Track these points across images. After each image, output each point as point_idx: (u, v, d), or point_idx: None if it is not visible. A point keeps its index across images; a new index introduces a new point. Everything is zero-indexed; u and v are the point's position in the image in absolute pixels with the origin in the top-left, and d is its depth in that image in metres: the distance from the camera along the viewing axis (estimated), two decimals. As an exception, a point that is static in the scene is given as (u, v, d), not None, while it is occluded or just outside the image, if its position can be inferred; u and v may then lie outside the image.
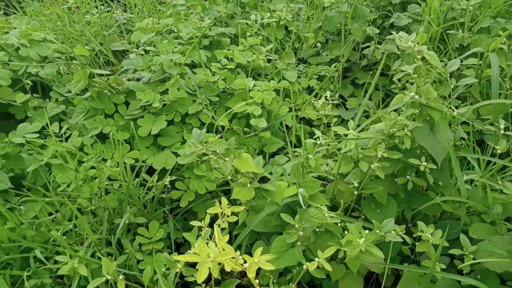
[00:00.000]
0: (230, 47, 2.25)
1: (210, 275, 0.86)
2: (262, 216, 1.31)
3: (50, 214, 1.54)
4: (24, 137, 1.62)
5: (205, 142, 1.25)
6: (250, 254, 1.13)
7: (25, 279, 1.23)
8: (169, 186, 1.59)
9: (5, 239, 1.36)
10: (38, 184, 1.64)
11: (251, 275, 0.89)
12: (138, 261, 1.40)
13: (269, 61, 2.24)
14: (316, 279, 1.40)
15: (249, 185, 1.24)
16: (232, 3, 2.74)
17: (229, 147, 1.21)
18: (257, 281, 1.05)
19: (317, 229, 1.21)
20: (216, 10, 2.75)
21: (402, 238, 1.13)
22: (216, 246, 0.90)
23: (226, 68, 2.00)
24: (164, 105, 1.80)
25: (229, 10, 2.69)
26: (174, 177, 1.60)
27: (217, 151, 1.19)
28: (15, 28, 2.21)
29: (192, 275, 1.30)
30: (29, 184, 1.61)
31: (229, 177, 1.37)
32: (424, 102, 1.25)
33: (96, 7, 3.36)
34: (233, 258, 0.89)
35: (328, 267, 1.07)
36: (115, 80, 1.76)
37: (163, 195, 1.62)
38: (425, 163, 1.24)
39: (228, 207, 1.25)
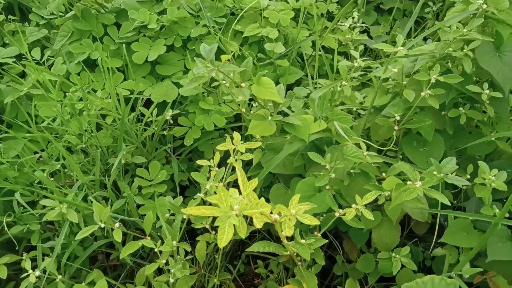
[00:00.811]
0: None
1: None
2: (283, 155, 1.10)
3: (35, 153, 1.33)
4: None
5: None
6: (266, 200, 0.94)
7: (5, 226, 1.05)
8: (171, 122, 1.37)
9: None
10: (19, 119, 1.42)
11: (287, 231, 0.68)
12: (138, 206, 1.22)
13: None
14: (343, 227, 1.23)
15: (269, 117, 1.01)
16: None
17: (246, 69, 0.96)
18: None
19: (352, 171, 1.01)
20: None
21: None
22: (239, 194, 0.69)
23: (234, -16, 1.68)
24: (162, 27, 1.52)
25: None
26: (176, 111, 1.37)
27: (232, 74, 0.94)
28: None
29: (201, 222, 1.13)
30: (9, 119, 1.39)
31: (243, 109, 1.14)
32: (492, 16, 0.98)
33: None
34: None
35: (369, 215, 0.88)
36: (103, -4, 1.46)
37: (164, 132, 1.40)
38: (488, 91, 1.01)
39: (242, 143, 1.04)
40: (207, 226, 1.15)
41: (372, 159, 0.95)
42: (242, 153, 1.02)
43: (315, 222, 0.74)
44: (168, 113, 1.33)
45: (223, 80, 1.02)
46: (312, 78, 1.56)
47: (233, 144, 1.03)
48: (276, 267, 1.41)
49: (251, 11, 1.66)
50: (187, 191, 1.51)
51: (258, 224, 0.63)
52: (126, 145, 1.27)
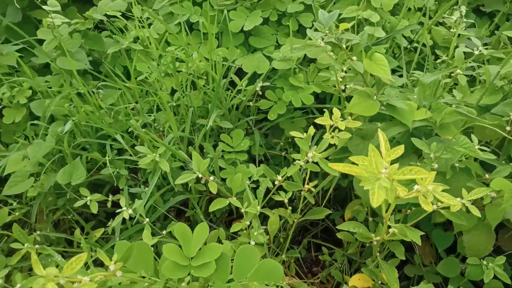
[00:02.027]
0: None
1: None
2: (376, 141, 1.06)
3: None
4: (106, 14, 1.43)
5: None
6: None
7: (108, 163, 1.10)
8: (260, 93, 1.37)
9: (83, 122, 1.23)
10: (117, 70, 1.48)
11: (426, 207, 0.65)
12: (220, 169, 1.24)
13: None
14: (425, 226, 1.17)
15: (375, 97, 0.97)
16: None
17: (360, 42, 0.93)
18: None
19: (456, 164, 0.95)
20: None
21: None
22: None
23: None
24: (260, -1, 1.53)
25: None
26: (267, 83, 1.36)
27: (351, 41, 0.91)
28: None
29: (279, 194, 1.12)
30: (108, 69, 1.45)
31: (342, 86, 1.11)
32: None
33: None
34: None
35: (476, 211, 0.82)
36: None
37: (250, 103, 1.40)
38: None
39: (342, 120, 1.01)
40: (285, 200, 1.14)
41: (484, 155, 0.88)
42: (340, 130, 0.99)
43: (454, 202, 0.69)
44: (259, 84, 1.33)
45: (331, 51, 0.99)
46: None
47: (331, 119, 1.00)
48: (341, 257, 1.38)
49: (349, -7, 1.62)
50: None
51: (402, 193, 0.60)
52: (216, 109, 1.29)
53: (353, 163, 0.62)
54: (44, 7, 1.31)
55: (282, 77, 1.40)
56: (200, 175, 0.91)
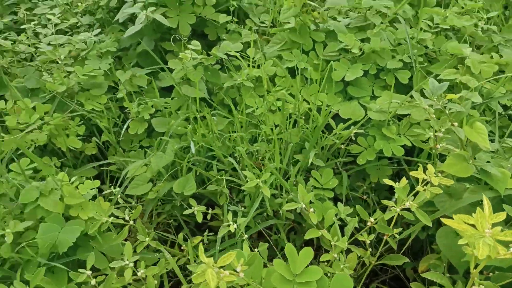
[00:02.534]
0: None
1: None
2: (465, 203, 1.12)
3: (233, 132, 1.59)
4: (227, 53, 1.67)
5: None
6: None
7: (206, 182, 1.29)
8: (354, 138, 1.49)
9: (200, 142, 1.45)
10: (228, 100, 1.71)
11: None
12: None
13: (483, 31, 1.91)
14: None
15: (471, 160, 1.05)
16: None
17: (464, 110, 1.03)
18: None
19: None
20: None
21: None
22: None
23: (438, 27, 1.75)
24: (362, 53, 1.67)
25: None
26: (360, 130, 1.49)
27: (454, 110, 1.02)
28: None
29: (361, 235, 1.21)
30: (221, 99, 1.68)
31: (438, 145, 1.19)
32: None
33: None
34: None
35: None
36: (322, 16, 1.68)
37: (342, 146, 1.53)
38: None
39: (435, 176, 1.09)
40: (367, 241, 1.23)
41: None
42: (433, 185, 1.08)
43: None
44: (353, 131, 1.46)
45: (433, 114, 1.09)
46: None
47: (425, 174, 1.09)
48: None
49: (446, 56, 1.71)
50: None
51: (501, 252, 0.69)
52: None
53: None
54: (189, 46, 1.58)
55: (375, 126, 1.52)
56: (303, 206, 1.05)
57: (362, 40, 1.74)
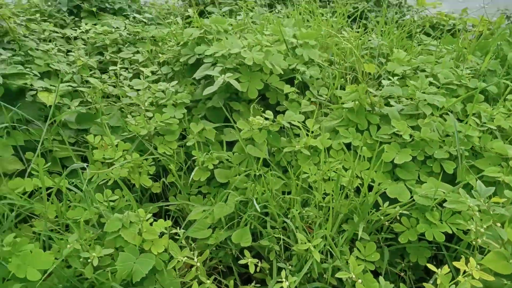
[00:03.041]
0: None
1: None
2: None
3: (287, 193, 1.77)
4: (289, 122, 1.89)
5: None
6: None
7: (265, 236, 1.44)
8: (398, 217, 1.63)
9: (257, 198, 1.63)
10: (281, 163, 1.90)
11: None
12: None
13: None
14: None
15: (511, 260, 1.17)
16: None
17: (508, 214, 1.16)
18: None
19: None
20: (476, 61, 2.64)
21: None
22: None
23: (485, 125, 1.91)
24: (412, 139, 1.84)
25: (492, 66, 2.54)
26: (405, 212, 1.62)
27: (498, 212, 1.16)
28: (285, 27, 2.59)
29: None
30: (277, 160, 1.88)
31: (479, 239, 1.31)
32: None
33: (351, 27, 3.64)
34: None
35: None
36: (379, 102, 1.88)
37: (386, 223, 1.66)
38: None
39: (477, 270, 1.20)
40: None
41: None
42: (473, 278, 1.19)
43: None
44: (399, 211, 1.60)
45: (477, 211, 1.23)
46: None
47: (467, 267, 1.21)
48: None
49: (491, 153, 1.85)
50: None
51: None
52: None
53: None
54: (263, 114, 1.81)
55: (419, 209, 1.65)
56: (353, 276, 1.18)
57: (413, 127, 1.91)
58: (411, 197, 1.67)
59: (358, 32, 3.31)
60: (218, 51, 2.17)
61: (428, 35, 4.85)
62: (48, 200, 1.67)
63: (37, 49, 2.61)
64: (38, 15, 3.15)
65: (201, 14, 4.69)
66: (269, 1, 4.83)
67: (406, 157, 1.77)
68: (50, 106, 2.17)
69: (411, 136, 1.84)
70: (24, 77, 2.13)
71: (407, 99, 2.04)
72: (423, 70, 2.53)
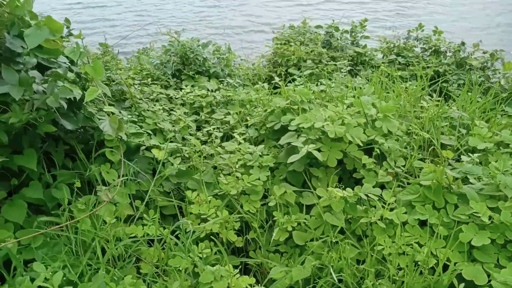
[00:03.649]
0: None
1: None
2: None
3: (361, 262, 1.88)
4: (367, 194, 2.04)
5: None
6: None
7: None
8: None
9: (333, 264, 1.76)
10: (357, 232, 2.02)
11: None
12: None
13: None
14: None
15: None
16: None
17: None
18: None
19: None
20: None
21: None
22: None
23: None
24: (491, 221, 1.86)
25: None
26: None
27: None
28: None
29: None
30: (353, 228, 2.01)
31: None
32: None
33: (432, 93, 3.71)
34: None
35: None
36: (457, 183, 1.94)
37: (461, 304, 1.68)
38: None
39: None
40: None
41: None
42: None
43: None
44: (475, 294, 1.62)
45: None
46: None
47: None
48: None
49: None
50: None
51: None
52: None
53: None
54: (344, 191, 2.00)
55: (496, 296, 1.65)
56: None
57: (493, 209, 1.93)
58: (489, 281, 1.67)
59: (438, 100, 3.37)
60: (303, 123, 2.42)
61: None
62: (150, 246, 1.99)
63: (148, 110, 3.12)
64: (149, 79, 3.75)
65: (284, 74, 5.10)
66: (349, 63, 5.09)
67: (485, 239, 1.79)
68: (157, 160, 2.58)
69: (490, 217, 1.86)
70: (141, 135, 2.58)
71: (487, 177, 2.06)
72: (507, 146, 2.51)
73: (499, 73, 5.17)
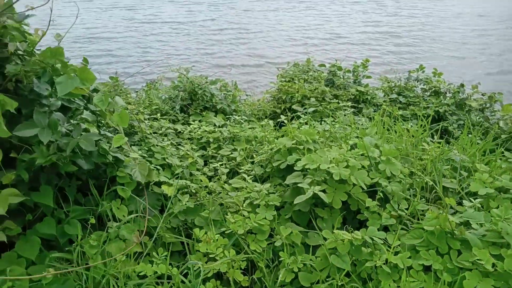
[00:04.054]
0: None
1: None
2: None
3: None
4: (371, 237, 2.08)
5: None
6: None
7: None
8: None
9: None
10: (362, 275, 2.05)
11: None
12: None
13: None
14: None
15: None
16: None
17: None
18: None
19: None
20: None
21: None
22: None
23: None
24: (495, 269, 1.90)
25: None
26: None
27: None
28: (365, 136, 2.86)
29: None
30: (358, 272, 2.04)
31: None
32: None
33: (433, 134, 3.81)
34: None
35: None
36: (460, 230, 2.00)
37: None
38: None
39: None
40: None
41: None
42: None
43: None
44: None
45: None
46: None
47: None
48: None
49: None
50: None
51: None
52: None
53: None
54: (353, 234, 2.04)
55: None
56: None
57: (496, 256, 1.97)
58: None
59: (440, 142, 3.46)
60: (308, 164, 2.50)
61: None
62: (157, 283, 2.01)
63: (157, 145, 3.20)
64: (158, 114, 3.86)
65: (288, 110, 5.23)
66: (351, 103, 5.23)
67: (488, 286, 1.82)
68: (165, 197, 2.64)
69: (493, 265, 1.90)
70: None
71: (489, 224, 2.11)
72: (507, 190, 2.58)
73: (498, 113, 5.31)
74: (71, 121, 1.93)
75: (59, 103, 1.84)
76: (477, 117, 5.21)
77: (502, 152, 3.56)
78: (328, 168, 2.43)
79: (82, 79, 1.60)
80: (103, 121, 2.80)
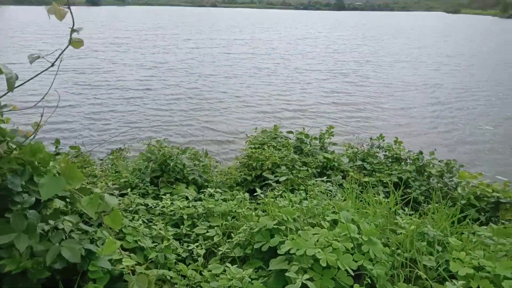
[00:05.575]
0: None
1: None
2: None
3: None
4: None
5: None
6: None
7: None
8: None
9: None
10: None
11: None
12: None
13: None
14: None
15: None
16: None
17: None
18: None
19: None
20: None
21: None
22: None
23: None
24: None
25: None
26: None
27: None
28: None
29: None
30: None
31: None
32: None
33: (403, 208, 3.91)
34: None
35: None
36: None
37: None
38: None
39: None
40: None
41: None
42: None
43: None
44: None
45: None
46: None
47: None
48: None
49: None
50: None
51: None
52: None
53: None
54: None
55: None
56: None
57: None
58: None
59: (412, 215, 3.55)
60: (293, 249, 2.43)
61: (473, 206, 5.04)
62: None
63: (129, 226, 3.01)
64: (129, 190, 3.69)
65: (259, 177, 5.22)
66: (319, 169, 5.34)
67: None
68: None
69: None
70: (122, 261, 2.45)
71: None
72: (482, 269, 2.63)
73: (455, 178, 5.62)
74: (49, 221, 1.76)
75: (33, 200, 1.69)
76: (437, 183, 5.48)
77: (467, 223, 3.71)
78: (314, 254, 2.37)
79: (67, 179, 1.48)
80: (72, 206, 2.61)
